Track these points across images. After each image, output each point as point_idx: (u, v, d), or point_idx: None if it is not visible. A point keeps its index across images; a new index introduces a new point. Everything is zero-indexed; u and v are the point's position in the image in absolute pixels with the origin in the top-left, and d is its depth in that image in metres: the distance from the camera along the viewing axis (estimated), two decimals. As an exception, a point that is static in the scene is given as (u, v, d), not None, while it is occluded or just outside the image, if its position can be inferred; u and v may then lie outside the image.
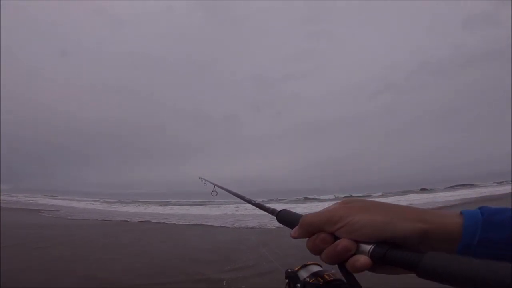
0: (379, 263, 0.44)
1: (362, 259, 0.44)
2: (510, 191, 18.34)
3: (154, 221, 12.03)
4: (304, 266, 0.56)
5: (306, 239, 0.52)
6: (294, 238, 0.54)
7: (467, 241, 0.43)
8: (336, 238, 0.48)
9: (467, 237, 0.43)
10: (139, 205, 24.90)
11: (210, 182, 1.49)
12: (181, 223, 11.51)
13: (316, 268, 0.55)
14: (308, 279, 0.52)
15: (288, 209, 0.65)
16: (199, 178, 1.77)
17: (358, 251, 0.46)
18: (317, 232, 0.50)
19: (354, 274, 0.47)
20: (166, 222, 11.74)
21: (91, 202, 27.00)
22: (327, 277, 0.53)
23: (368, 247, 0.45)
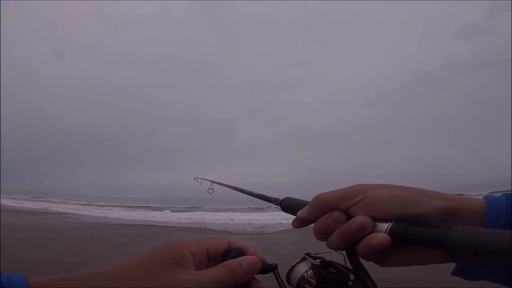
0: (399, 242, 0.41)
1: (380, 236, 0.41)
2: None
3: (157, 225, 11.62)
4: (305, 258, 0.48)
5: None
6: (301, 219, 0.51)
7: (491, 223, 0.41)
8: (350, 218, 0.45)
9: (491, 219, 0.41)
10: (127, 209, 24.37)
11: (206, 180, 1.46)
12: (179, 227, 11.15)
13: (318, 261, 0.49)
14: (311, 271, 0.46)
15: (291, 196, 0.63)
16: (194, 178, 1.72)
17: (373, 230, 0.42)
18: (329, 210, 0.47)
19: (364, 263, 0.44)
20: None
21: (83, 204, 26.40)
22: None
23: (385, 225, 0.42)
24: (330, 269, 0.46)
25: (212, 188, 1.38)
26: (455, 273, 0.44)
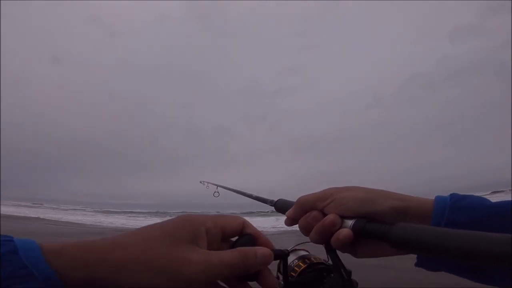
0: (359, 235, 0.48)
1: (345, 231, 0.49)
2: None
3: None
4: (293, 251, 0.58)
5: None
6: (289, 218, 0.58)
7: (436, 221, 0.48)
8: (325, 215, 0.52)
9: (436, 217, 0.48)
10: (129, 216, 24.37)
11: (212, 184, 1.48)
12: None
13: (303, 253, 0.58)
14: (296, 261, 0.55)
15: (284, 198, 0.72)
16: (200, 182, 1.71)
17: (342, 226, 0.50)
18: (309, 210, 0.54)
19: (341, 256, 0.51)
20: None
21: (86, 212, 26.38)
22: (313, 259, 0.55)
23: (350, 222, 0.50)
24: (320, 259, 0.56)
25: (218, 192, 1.39)
26: (417, 264, 0.52)
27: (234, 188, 1.15)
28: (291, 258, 0.55)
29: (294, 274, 0.52)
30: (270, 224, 13.89)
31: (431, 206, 0.49)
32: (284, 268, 0.50)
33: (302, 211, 0.55)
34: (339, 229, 0.50)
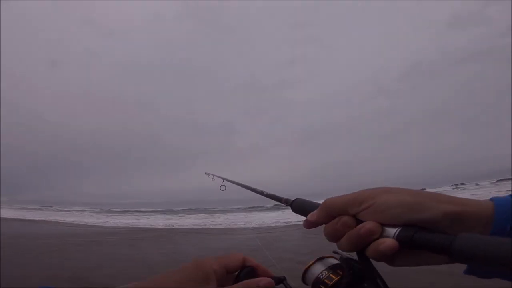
0: (406, 247, 0.40)
1: (388, 241, 0.41)
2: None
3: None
4: (320, 259, 0.52)
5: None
6: (311, 222, 0.51)
7: (499, 227, 0.40)
8: (359, 221, 0.45)
9: (499, 223, 0.40)
10: (135, 215, 24.69)
11: (219, 177, 1.41)
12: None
13: (333, 261, 0.51)
14: (326, 272, 0.49)
15: (303, 198, 0.62)
16: (205, 173, 1.65)
17: (382, 235, 0.43)
18: (338, 215, 0.47)
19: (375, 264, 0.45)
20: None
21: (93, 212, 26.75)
22: (344, 269, 0.49)
23: (393, 230, 0.42)
24: (347, 269, 0.49)
25: (224, 185, 1.36)
26: (467, 272, 0.44)
27: (243, 182, 1.07)
28: (318, 269, 0.50)
29: (325, 287, 0.47)
30: (272, 220, 13.89)
31: (491, 211, 0.41)
32: None
33: (328, 216, 0.49)
34: (378, 238, 0.43)
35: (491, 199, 0.43)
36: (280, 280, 0.49)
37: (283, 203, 0.69)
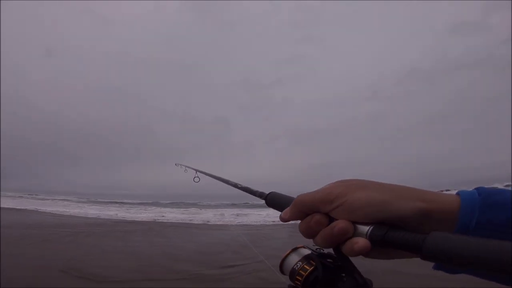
0: (378, 245, 0.41)
1: (361, 242, 0.41)
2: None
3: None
4: (294, 250, 0.52)
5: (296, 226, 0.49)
6: (285, 220, 0.51)
7: (464, 222, 0.40)
8: (331, 219, 0.45)
9: (465, 218, 0.40)
10: (121, 206, 24.54)
11: (191, 168, 1.35)
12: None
13: (306, 251, 0.51)
14: (300, 263, 0.49)
15: (277, 192, 0.62)
16: (176, 164, 1.57)
17: (355, 233, 0.43)
18: (311, 212, 0.47)
19: (351, 258, 0.45)
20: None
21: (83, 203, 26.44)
22: (319, 260, 0.48)
23: (366, 228, 0.42)
24: (328, 259, 0.48)
25: (198, 177, 1.31)
26: (436, 267, 0.45)
27: (217, 175, 1.03)
28: (293, 260, 0.50)
29: (300, 279, 0.48)
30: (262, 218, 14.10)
31: (457, 205, 0.41)
32: None
33: (301, 213, 0.48)
34: (351, 237, 0.43)
35: (458, 193, 0.43)
36: None
37: (257, 196, 0.68)
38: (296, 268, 0.49)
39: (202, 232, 9.55)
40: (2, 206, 16.14)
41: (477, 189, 0.43)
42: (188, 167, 1.42)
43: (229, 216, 14.74)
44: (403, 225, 0.42)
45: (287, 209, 0.50)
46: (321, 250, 0.50)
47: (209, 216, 15.35)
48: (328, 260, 0.48)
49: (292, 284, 0.49)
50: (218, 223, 12.22)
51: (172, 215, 15.93)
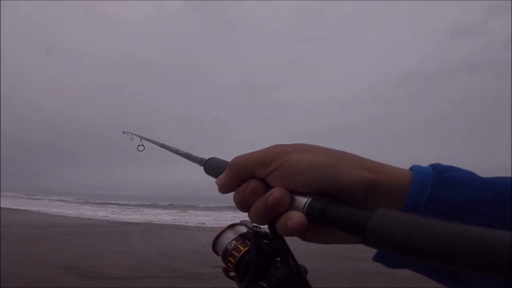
0: (317, 222, 0.33)
1: (296, 217, 0.34)
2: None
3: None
4: (231, 226, 0.47)
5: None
6: (221, 188, 0.42)
7: (414, 200, 0.34)
8: (269, 188, 0.38)
9: (415, 195, 0.35)
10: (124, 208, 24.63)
11: (137, 136, 1.31)
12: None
13: (242, 229, 0.46)
14: (234, 242, 0.44)
15: (219, 158, 0.54)
16: (123, 132, 1.50)
17: (292, 206, 0.36)
18: (247, 178, 0.40)
19: (287, 239, 0.39)
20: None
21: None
22: (254, 240, 0.43)
23: (304, 200, 0.35)
24: (265, 241, 0.42)
25: (143, 145, 1.28)
26: (375, 258, 0.40)
27: (159, 142, 1.02)
28: (228, 238, 0.45)
29: (233, 260, 0.43)
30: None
31: (409, 180, 0.36)
32: None
33: (237, 179, 0.40)
34: (287, 210, 0.36)
35: (411, 168, 0.38)
36: None
37: (197, 163, 0.61)
38: (229, 248, 0.43)
39: (201, 234, 9.69)
40: (6, 206, 16.25)
41: (432, 165, 0.38)
42: (135, 134, 1.37)
43: (229, 218, 14.88)
44: (347, 199, 0.35)
45: (222, 175, 0.42)
46: (258, 228, 0.43)
47: (204, 219, 15.50)
48: (265, 241, 0.42)
49: (225, 266, 0.44)
50: (214, 225, 12.36)
51: (169, 217, 16.06)
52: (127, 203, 29.70)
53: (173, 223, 12.65)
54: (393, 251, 0.27)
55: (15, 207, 16.64)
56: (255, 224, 0.43)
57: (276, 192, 0.36)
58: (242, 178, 0.40)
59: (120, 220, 13.42)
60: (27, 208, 16.70)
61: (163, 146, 0.95)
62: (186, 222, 13.36)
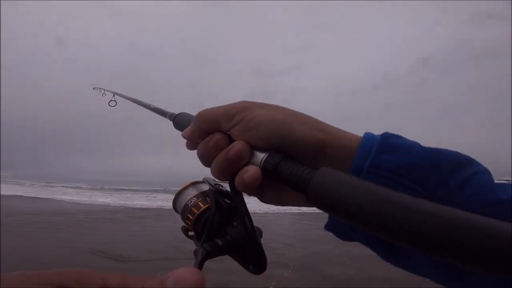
0: (271, 177, 0.36)
1: (252, 170, 0.36)
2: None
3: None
4: (194, 184, 0.46)
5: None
6: (186, 139, 0.44)
7: (359, 163, 0.35)
8: (231, 142, 0.39)
9: (360, 158, 0.35)
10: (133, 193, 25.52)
11: (109, 91, 1.25)
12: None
13: (204, 187, 0.45)
14: (195, 199, 0.43)
15: (189, 113, 0.55)
16: (94, 88, 1.42)
17: (251, 161, 0.37)
18: (212, 131, 0.41)
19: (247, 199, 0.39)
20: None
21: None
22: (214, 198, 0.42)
23: (261, 156, 0.37)
24: (226, 200, 0.42)
25: (115, 101, 1.22)
26: (327, 227, 0.40)
27: (131, 97, 0.97)
28: (190, 194, 0.44)
29: (192, 218, 0.41)
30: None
31: (357, 143, 0.36)
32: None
33: (202, 132, 0.41)
34: (247, 163, 0.37)
35: (364, 135, 0.38)
36: None
37: (168, 118, 0.61)
38: (189, 205, 0.43)
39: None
40: (20, 194, 17.17)
41: (384, 133, 0.38)
42: (107, 90, 1.29)
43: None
44: (298, 157, 0.37)
45: (187, 127, 0.44)
46: (221, 186, 0.43)
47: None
48: (226, 200, 0.42)
49: (184, 224, 0.44)
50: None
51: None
52: (141, 189, 30.63)
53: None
54: (333, 212, 0.28)
55: (36, 195, 17.54)
56: (217, 182, 0.44)
57: (237, 145, 0.37)
58: (207, 131, 0.41)
59: (134, 206, 14.13)
60: (50, 196, 17.56)
61: (134, 101, 0.90)
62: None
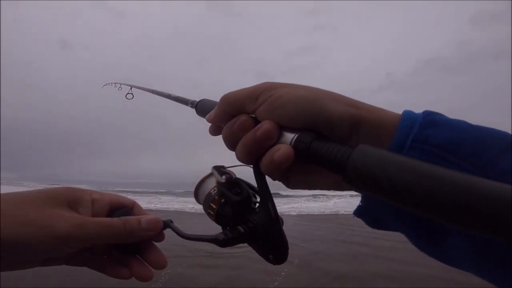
0: (302, 157, 0.33)
1: (284, 148, 0.33)
2: None
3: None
4: (217, 169, 0.43)
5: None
6: (211, 122, 0.43)
7: (400, 139, 0.32)
8: (257, 123, 0.36)
9: (403, 131, 0.32)
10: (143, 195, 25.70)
11: (125, 84, 1.21)
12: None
13: (231, 175, 0.42)
14: (216, 189, 0.41)
15: (210, 99, 0.54)
16: (107, 84, 1.36)
17: (279, 141, 0.35)
18: (237, 114, 0.38)
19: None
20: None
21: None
22: (238, 188, 0.40)
23: (291, 136, 0.34)
24: (236, 189, 0.40)
25: (132, 94, 1.18)
26: (356, 213, 0.37)
27: (150, 88, 0.95)
28: (211, 184, 0.42)
29: (214, 207, 0.41)
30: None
31: (396, 121, 0.33)
32: (176, 232, 0.41)
33: (227, 115, 0.39)
34: (275, 144, 0.35)
35: (403, 111, 0.34)
36: (166, 225, 0.42)
37: (189, 105, 0.61)
38: (213, 194, 0.41)
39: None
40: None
41: (424, 110, 0.34)
42: (122, 83, 1.23)
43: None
44: (331, 136, 0.34)
45: (212, 110, 0.42)
46: (233, 176, 0.42)
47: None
48: (237, 189, 0.40)
49: (206, 213, 0.43)
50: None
51: (190, 205, 16.85)
52: (145, 191, 30.83)
53: (191, 211, 13.46)
54: (376, 192, 0.25)
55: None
56: (226, 170, 0.42)
57: (265, 124, 0.35)
58: (232, 113, 0.39)
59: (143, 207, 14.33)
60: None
61: (154, 92, 0.88)
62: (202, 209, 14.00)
